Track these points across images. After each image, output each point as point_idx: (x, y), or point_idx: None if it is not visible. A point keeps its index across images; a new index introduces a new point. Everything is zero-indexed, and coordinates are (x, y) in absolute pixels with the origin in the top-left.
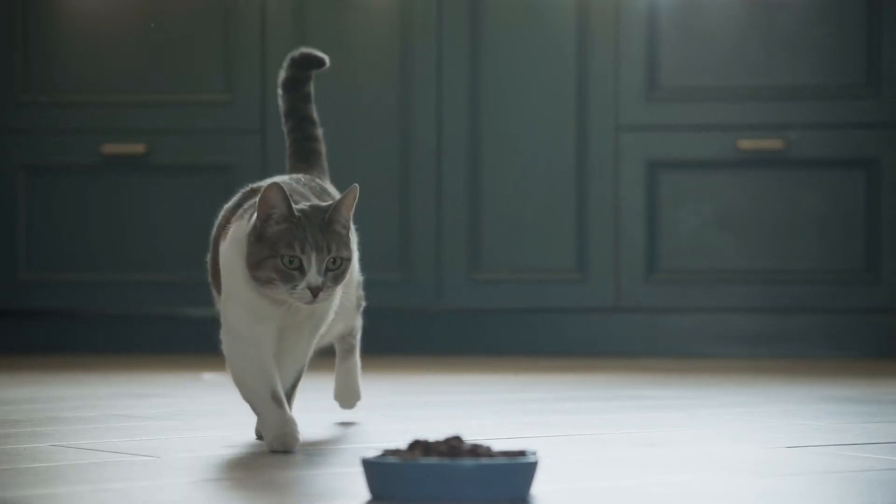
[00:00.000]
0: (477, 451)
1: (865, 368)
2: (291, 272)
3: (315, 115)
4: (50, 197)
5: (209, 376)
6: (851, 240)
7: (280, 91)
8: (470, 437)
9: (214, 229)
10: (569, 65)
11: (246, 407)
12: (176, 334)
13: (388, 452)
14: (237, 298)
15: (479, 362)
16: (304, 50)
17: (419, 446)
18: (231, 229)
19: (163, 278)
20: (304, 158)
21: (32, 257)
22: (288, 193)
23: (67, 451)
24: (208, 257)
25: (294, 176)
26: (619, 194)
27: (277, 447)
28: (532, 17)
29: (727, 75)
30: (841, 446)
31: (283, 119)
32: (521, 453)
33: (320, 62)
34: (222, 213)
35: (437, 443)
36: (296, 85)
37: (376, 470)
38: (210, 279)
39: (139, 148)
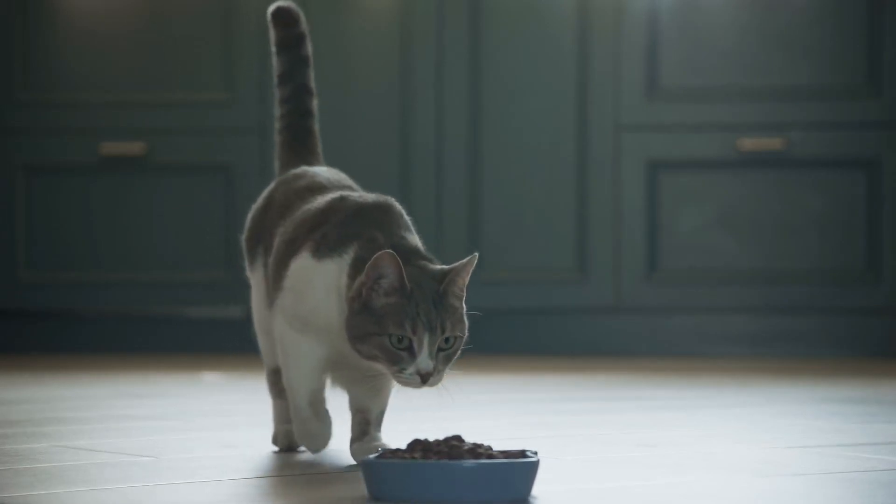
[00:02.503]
0: (477, 451)
1: (865, 368)
2: (399, 353)
3: (313, 83)
4: (50, 197)
5: (209, 376)
6: (852, 240)
7: (274, 50)
8: (470, 437)
9: (257, 212)
10: (569, 65)
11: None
12: (176, 334)
13: (388, 452)
14: (304, 336)
15: (478, 362)
16: (281, 3)
17: (419, 446)
18: (325, 264)
19: (163, 278)
20: (302, 140)
21: (32, 257)
22: (400, 262)
23: (67, 452)
24: (247, 224)
25: (335, 178)
26: (619, 194)
27: (304, 444)
28: (532, 17)
29: (727, 75)
30: (841, 446)
31: (276, 82)
32: (522, 453)
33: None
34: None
35: (437, 443)
36: (292, 43)
37: (376, 470)
38: (244, 241)
39: (139, 148)
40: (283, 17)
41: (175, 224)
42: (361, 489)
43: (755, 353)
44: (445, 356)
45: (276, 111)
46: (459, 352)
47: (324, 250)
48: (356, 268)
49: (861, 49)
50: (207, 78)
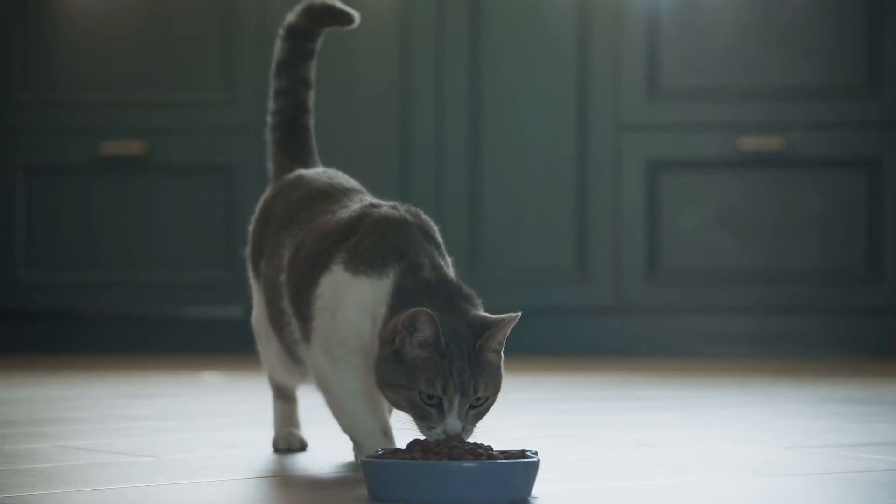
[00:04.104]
0: (477, 451)
1: (865, 368)
2: (428, 410)
3: (312, 77)
4: (50, 197)
5: (209, 376)
6: (852, 240)
7: (281, 33)
8: (470, 437)
9: (265, 202)
10: (569, 65)
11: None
12: (176, 334)
13: (388, 453)
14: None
15: None
16: (329, 1)
17: (419, 446)
18: (353, 281)
19: (163, 278)
20: (298, 139)
21: (32, 257)
22: (438, 321)
23: (67, 452)
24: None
25: (336, 182)
26: (619, 194)
27: None
28: (532, 17)
29: (727, 75)
30: (841, 446)
31: (273, 71)
32: (522, 453)
33: (346, 18)
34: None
35: (438, 443)
36: (303, 36)
37: (376, 470)
38: (249, 253)
39: (139, 148)
40: (339, 18)
41: (175, 224)
42: (361, 489)
43: (755, 353)
44: (476, 414)
45: (271, 104)
46: (490, 409)
47: (359, 265)
48: (397, 299)
49: (861, 49)
50: (207, 78)
